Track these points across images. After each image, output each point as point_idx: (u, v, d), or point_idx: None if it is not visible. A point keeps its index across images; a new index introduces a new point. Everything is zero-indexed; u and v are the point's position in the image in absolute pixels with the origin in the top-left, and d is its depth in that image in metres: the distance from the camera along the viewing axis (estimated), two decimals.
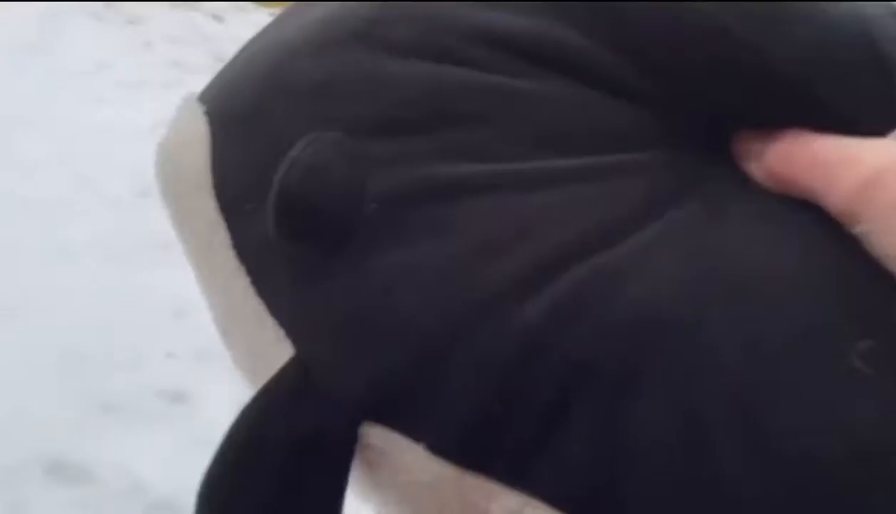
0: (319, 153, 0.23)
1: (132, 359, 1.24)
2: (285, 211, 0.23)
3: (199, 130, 0.26)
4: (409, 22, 0.25)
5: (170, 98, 0.29)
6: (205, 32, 2.67)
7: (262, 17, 2.08)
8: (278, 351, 0.24)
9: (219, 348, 0.27)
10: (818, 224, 0.23)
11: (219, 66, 0.30)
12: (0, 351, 1.22)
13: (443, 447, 0.22)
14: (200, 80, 0.29)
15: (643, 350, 0.21)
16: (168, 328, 1.42)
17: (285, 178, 0.23)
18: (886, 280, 0.22)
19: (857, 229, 0.22)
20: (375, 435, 0.23)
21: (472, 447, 0.22)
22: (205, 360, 1.32)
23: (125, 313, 1.43)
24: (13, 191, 1.55)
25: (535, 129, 0.24)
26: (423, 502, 0.23)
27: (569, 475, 0.21)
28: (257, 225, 0.23)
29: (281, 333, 0.24)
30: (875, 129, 0.23)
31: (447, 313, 0.22)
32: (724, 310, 0.21)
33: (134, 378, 1.24)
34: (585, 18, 0.24)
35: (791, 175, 0.24)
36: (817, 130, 0.23)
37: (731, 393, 0.21)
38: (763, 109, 0.24)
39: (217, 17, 2.78)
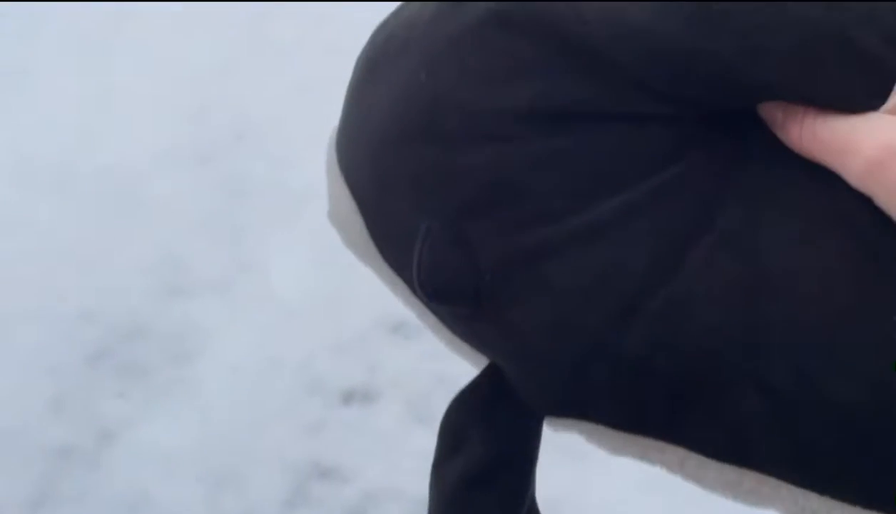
0: (436, 249, 0.29)
1: None
2: (428, 297, 0.30)
3: (352, 209, 0.32)
4: (457, 112, 0.29)
5: None
6: None
7: None
8: (477, 356, 0.32)
9: None
10: (850, 199, 0.25)
11: None
12: None
13: (616, 424, 0.29)
14: None
15: (718, 364, 0.26)
16: None
17: (419, 277, 0.29)
18: None
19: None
20: (565, 420, 0.31)
21: (632, 423, 0.29)
22: None
23: None
24: None
25: (586, 180, 0.27)
26: (622, 451, 0.30)
27: (704, 437, 0.28)
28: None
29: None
30: (868, 104, 0.25)
31: (573, 352, 0.28)
32: (775, 315, 0.26)
33: None
34: (588, 65, 0.27)
35: (810, 154, 0.26)
36: (821, 107, 0.26)
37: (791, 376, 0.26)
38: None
39: None
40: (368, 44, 0.35)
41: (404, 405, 1.10)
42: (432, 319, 0.33)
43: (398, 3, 0.35)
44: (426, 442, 1.18)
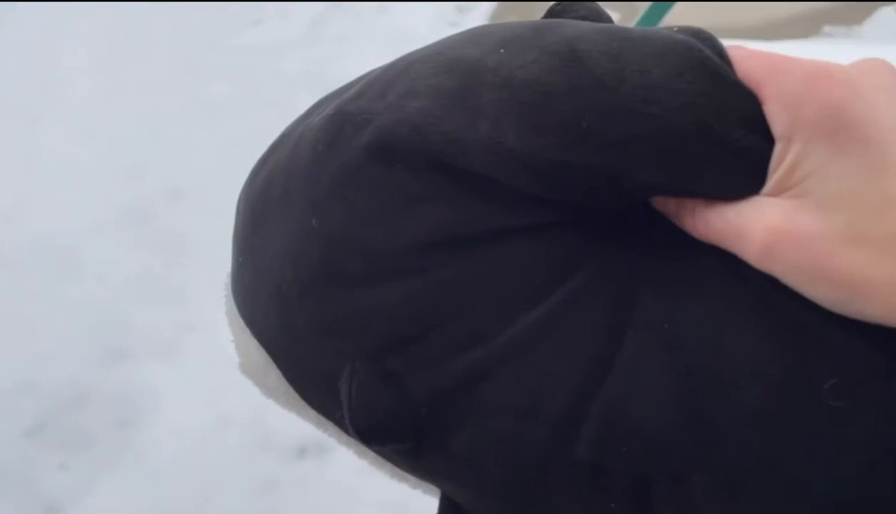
0: (364, 389, 0.28)
1: None
2: (366, 442, 0.28)
3: (264, 359, 0.31)
4: (355, 254, 0.28)
5: None
6: None
7: None
8: (427, 485, 0.31)
9: None
10: (759, 275, 0.26)
11: None
12: None
13: None
14: None
15: (671, 459, 0.26)
16: None
17: (352, 420, 0.28)
18: (831, 315, 0.25)
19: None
20: None
21: None
22: None
23: None
24: None
25: (500, 298, 0.27)
26: None
27: None
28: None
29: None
30: (747, 187, 0.26)
31: (526, 469, 0.28)
32: (711, 401, 0.26)
33: None
34: (475, 189, 0.27)
35: (708, 240, 0.27)
36: (708, 197, 0.26)
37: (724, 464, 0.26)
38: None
39: None
40: (246, 189, 0.34)
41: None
42: (371, 455, 0.31)
43: (310, 105, 0.33)
44: (384, 491, 1.18)
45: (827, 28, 2.27)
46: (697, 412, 0.26)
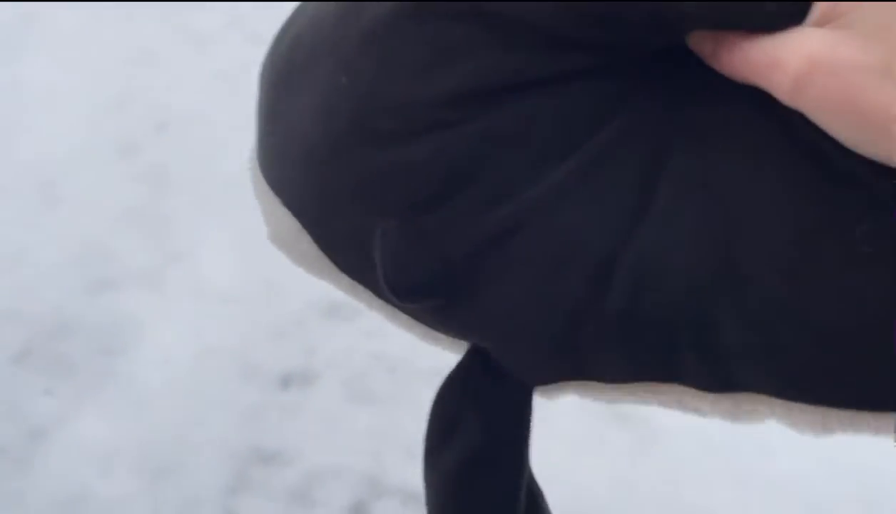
0: (399, 248, 0.28)
1: None
2: (401, 299, 0.29)
3: (295, 227, 0.31)
4: (386, 110, 0.28)
5: None
6: None
7: None
8: (457, 344, 0.32)
9: None
10: (794, 119, 0.25)
11: None
12: None
13: (610, 379, 0.30)
14: None
15: (699, 301, 0.27)
16: None
17: (388, 279, 0.29)
18: (863, 161, 0.24)
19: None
20: (558, 384, 0.31)
21: (625, 374, 0.29)
22: None
23: None
24: None
25: (533, 150, 0.27)
26: (618, 400, 0.31)
27: (696, 375, 0.28)
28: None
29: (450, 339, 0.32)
30: (791, 20, 0.25)
31: (556, 319, 0.28)
32: (742, 246, 0.26)
33: None
34: (509, 36, 0.26)
35: (743, 76, 0.26)
36: (747, 32, 0.25)
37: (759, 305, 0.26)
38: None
39: None
40: (269, 57, 0.33)
41: (343, 386, 1.11)
42: (403, 317, 0.32)
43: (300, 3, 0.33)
44: (366, 420, 1.21)
45: None
46: (728, 259, 0.27)
